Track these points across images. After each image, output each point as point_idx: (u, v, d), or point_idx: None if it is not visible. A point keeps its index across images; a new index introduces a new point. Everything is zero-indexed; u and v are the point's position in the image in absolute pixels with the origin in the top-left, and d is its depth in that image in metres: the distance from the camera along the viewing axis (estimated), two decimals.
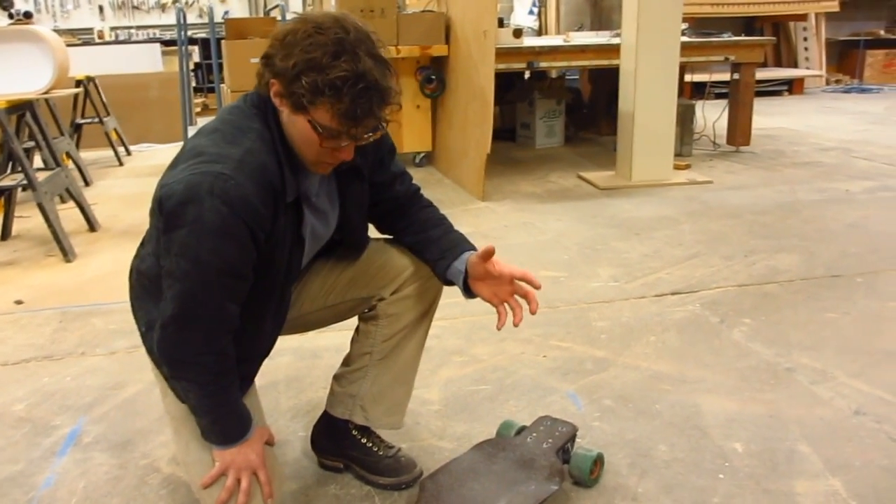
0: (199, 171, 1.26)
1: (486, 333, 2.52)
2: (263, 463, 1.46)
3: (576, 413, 2.01)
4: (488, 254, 1.53)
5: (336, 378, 1.73)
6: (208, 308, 1.30)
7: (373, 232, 1.69)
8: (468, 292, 1.59)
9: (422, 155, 5.57)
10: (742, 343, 2.42)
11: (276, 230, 1.36)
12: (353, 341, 1.70)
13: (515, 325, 1.54)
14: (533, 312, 1.54)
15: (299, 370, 2.30)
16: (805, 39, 9.79)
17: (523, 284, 1.55)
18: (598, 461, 1.70)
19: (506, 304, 1.57)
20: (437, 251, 1.60)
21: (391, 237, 1.70)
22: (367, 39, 1.28)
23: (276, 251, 1.38)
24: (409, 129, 5.32)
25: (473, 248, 1.60)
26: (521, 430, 1.78)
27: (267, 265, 1.38)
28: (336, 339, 1.74)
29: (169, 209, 1.26)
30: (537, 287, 1.54)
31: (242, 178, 1.26)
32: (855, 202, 4.15)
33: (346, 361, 1.71)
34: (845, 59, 10.71)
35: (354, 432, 1.73)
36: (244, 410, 1.46)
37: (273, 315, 1.50)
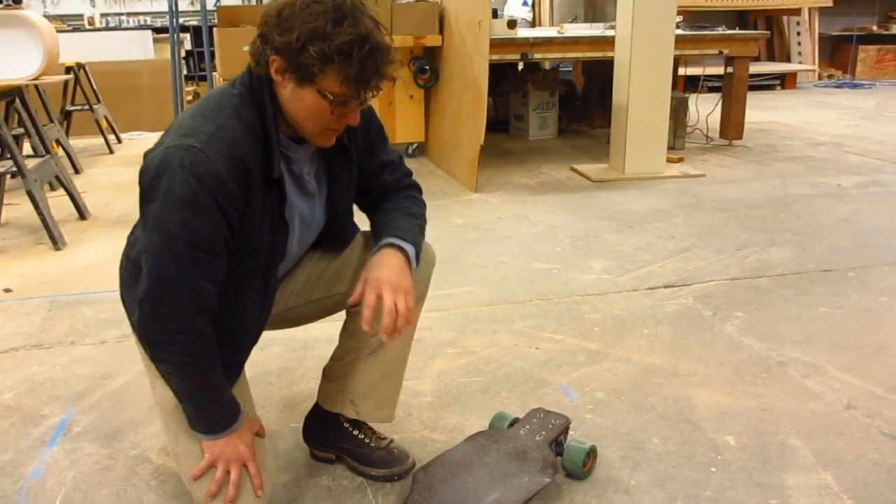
0: (173, 144, 1.28)
1: (479, 325, 2.51)
2: (253, 454, 1.45)
3: (568, 405, 2.01)
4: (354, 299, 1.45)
5: (326, 371, 1.72)
6: (180, 283, 1.30)
7: (364, 224, 1.67)
8: None
9: (414, 146, 5.55)
10: (734, 336, 2.43)
11: (251, 209, 1.34)
12: (341, 335, 1.69)
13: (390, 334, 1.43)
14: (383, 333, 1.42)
15: (290, 361, 2.29)
16: (798, 34, 9.80)
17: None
18: (591, 454, 1.70)
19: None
20: (374, 241, 1.54)
21: None
22: (360, 3, 1.31)
23: (253, 232, 1.37)
24: (401, 119, 5.30)
25: (398, 236, 1.49)
26: (514, 422, 1.78)
27: (244, 246, 1.37)
28: (327, 329, 1.73)
29: (144, 182, 1.30)
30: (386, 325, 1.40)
31: (212, 153, 1.27)
32: (846, 197, 4.16)
33: (335, 355, 1.70)
34: (837, 54, 10.73)
35: (346, 424, 1.72)
36: (230, 400, 1.44)
37: (258, 300, 1.47)
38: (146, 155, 1.33)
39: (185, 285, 1.30)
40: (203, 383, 1.39)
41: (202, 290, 1.32)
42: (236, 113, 1.33)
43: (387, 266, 1.44)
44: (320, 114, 1.32)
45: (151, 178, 1.28)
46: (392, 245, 1.47)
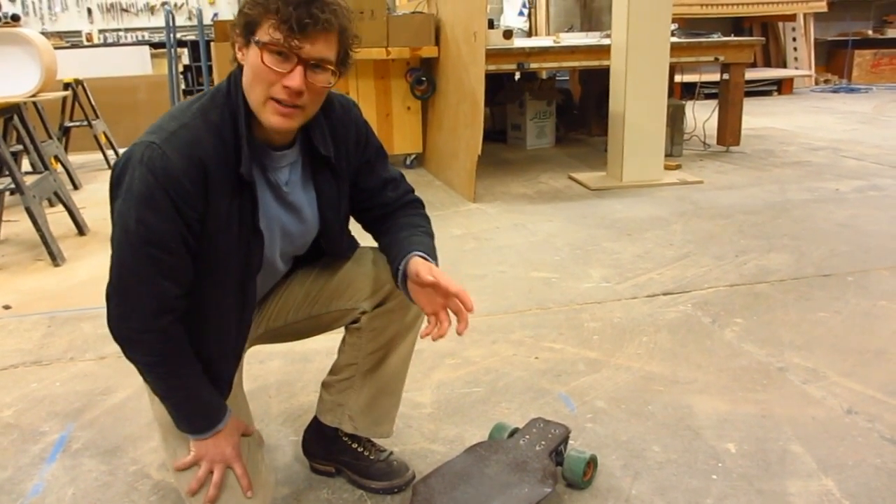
0: (140, 140, 1.31)
1: (478, 335, 2.51)
2: (239, 455, 1.45)
3: (568, 415, 2.01)
4: (422, 281, 1.44)
5: (324, 385, 1.71)
6: (139, 279, 1.31)
7: (366, 240, 1.67)
8: (408, 295, 1.51)
9: (412, 156, 5.56)
10: (734, 343, 2.43)
11: (215, 212, 1.34)
12: (340, 350, 1.68)
13: (434, 339, 1.45)
14: (459, 333, 1.43)
15: (290, 374, 2.28)
16: (794, 40, 9.83)
17: (457, 302, 1.43)
18: (592, 463, 1.69)
19: (436, 316, 1.47)
20: (393, 253, 1.53)
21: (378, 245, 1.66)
22: None
23: (220, 237, 1.36)
24: (399, 130, 5.32)
25: (424, 252, 1.49)
26: (514, 432, 1.77)
27: (212, 251, 1.36)
28: (326, 342, 1.73)
29: (112, 178, 1.34)
30: (469, 308, 1.43)
31: (169, 150, 1.28)
32: (845, 201, 4.16)
33: (334, 370, 1.69)
34: (834, 59, 10.76)
35: (345, 438, 1.72)
36: (211, 401, 1.44)
37: (237, 310, 1.46)
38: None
39: (144, 282, 1.31)
40: (176, 384, 1.39)
41: (162, 288, 1.31)
42: (202, 114, 1.34)
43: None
44: (261, 73, 1.29)
45: (118, 174, 1.32)
46: (422, 258, 1.47)
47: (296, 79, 1.29)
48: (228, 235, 1.37)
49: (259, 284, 1.51)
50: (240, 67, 1.36)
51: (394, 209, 1.62)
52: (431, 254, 1.51)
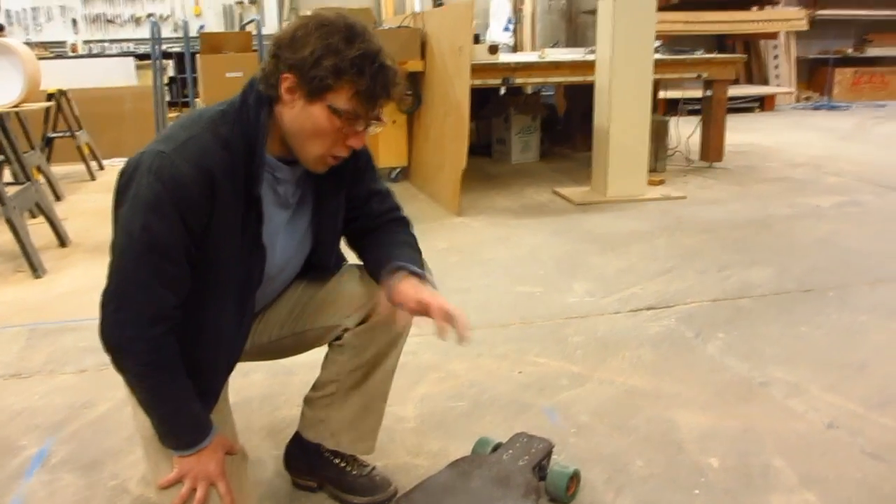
0: (148, 149, 1.32)
1: (462, 349, 2.50)
2: (223, 473, 1.43)
3: (552, 429, 2.00)
4: (411, 306, 1.43)
5: (307, 401, 1.70)
6: (139, 286, 1.30)
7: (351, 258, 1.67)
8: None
9: (397, 170, 5.57)
10: (716, 357, 2.44)
11: (220, 223, 1.34)
12: (323, 366, 1.67)
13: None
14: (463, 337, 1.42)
15: (273, 387, 2.27)
16: (776, 57, 9.95)
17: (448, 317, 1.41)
18: (575, 477, 1.69)
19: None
20: (379, 268, 1.52)
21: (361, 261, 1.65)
22: (369, 27, 1.34)
23: (222, 249, 1.36)
24: (384, 143, 5.32)
25: (405, 265, 1.48)
26: (497, 446, 1.77)
27: (213, 262, 1.36)
28: (310, 355, 1.72)
29: (118, 185, 1.34)
30: (462, 335, 1.41)
31: (179, 160, 1.29)
32: (825, 217, 4.21)
33: (316, 386, 1.68)
34: (815, 77, 10.89)
35: (327, 453, 1.71)
36: (198, 416, 1.42)
37: (234, 324, 1.46)
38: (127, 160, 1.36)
39: (143, 289, 1.30)
40: (164, 397, 1.38)
41: (160, 295, 1.31)
42: (212, 127, 1.35)
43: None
44: (327, 132, 1.33)
45: (125, 181, 1.33)
46: (417, 275, 1.48)
47: (362, 140, 1.36)
48: (231, 247, 1.38)
49: (257, 299, 1.51)
50: (268, 93, 1.35)
51: (379, 224, 1.62)
52: (419, 265, 1.51)
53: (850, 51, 10.75)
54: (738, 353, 2.46)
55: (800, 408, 2.10)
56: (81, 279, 3.36)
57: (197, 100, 6.37)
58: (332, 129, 1.33)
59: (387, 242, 1.58)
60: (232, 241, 1.38)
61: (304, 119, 1.34)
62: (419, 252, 1.59)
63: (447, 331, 1.40)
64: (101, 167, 6.50)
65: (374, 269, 1.55)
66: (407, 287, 1.45)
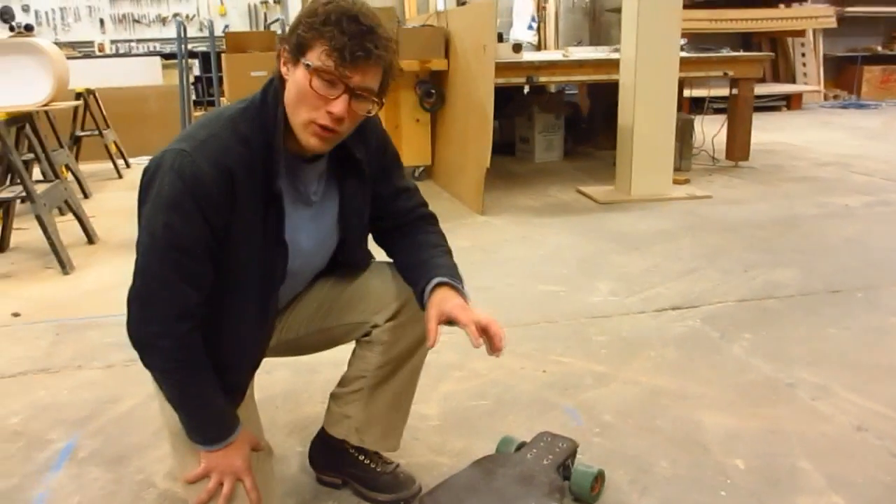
0: (170, 148, 1.33)
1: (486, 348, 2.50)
2: (249, 469, 1.45)
3: (575, 428, 2.00)
4: (459, 323, 1.44)
5: (333, 397, 1.71)
6: (163, 284, 1.31)
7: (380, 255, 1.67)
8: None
9: (421, 169, 5.58)
10: (742, 358, 2.41)
11: (240, 221, 1.35)
12: (349, 362, 1.67)
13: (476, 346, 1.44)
14: (495, 352, 1.45)
15: (297, 385, 2.28)
16: (803, 55, 9.83)
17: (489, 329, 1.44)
18: (599, 477, 1.68)
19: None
20: (417, 274, 1.54)
21: (391, 260, 1.66)
22: (364, 4, 1.34)
23: (243, 246, 1.37)
24: (408, 142, 5.33)
25: (445, 277, 1.50)
26: (521, 445, 1.76)
27: (234, 259, 1.37)
28: (334, 353, 1.73)
29: (142, 184, 1.36)
30: (497, 344, 1.45)
31: (199, 157, 1.30)
32: (853, 217, 4.15)
33: (343, 382, 1.68)
34: (842, 75, 10.75)
35: (351, 450, 1.71)
36: (224, 412, 1.44)
37: (257, 322, 1.46)
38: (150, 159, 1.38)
39: (167, 286, 1.31)
40: (192, 392, 1.39)
41: (183, 293, 1.32)
42: (232, 124, 1.36)
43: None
44: (307, 95, 1.31)
45: (147, 180, 1.34)
46: (450, 285, 1.49)
47: (340, 106, 1.32)
48: (252, 245, 1.39)
49: (281, 296, 1.51)
50: (281, 80, 1.37)
51: (407, 221, 1.62)
52: (456, 276, 1.52)
53: (878, 48, 10.61)
54: (764, 354, 2.43)
55: (827, 410, 2.07)
56: (109, 276, 3.40)
57: (222, 99, 6.43)
58: (312, 92, 1.31)
59: (420, 244, 1.59)
60: (253, 238, 1.38)
61: (291, 86, 1.34)
62: (450, 253, 1.60)
63: (482, 342, 1.42)
64: (128, 165, 6.58)
65: (410, 276, 1.56)
66: (455, 309, 1.45)
